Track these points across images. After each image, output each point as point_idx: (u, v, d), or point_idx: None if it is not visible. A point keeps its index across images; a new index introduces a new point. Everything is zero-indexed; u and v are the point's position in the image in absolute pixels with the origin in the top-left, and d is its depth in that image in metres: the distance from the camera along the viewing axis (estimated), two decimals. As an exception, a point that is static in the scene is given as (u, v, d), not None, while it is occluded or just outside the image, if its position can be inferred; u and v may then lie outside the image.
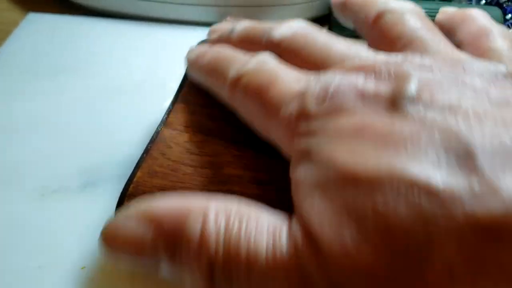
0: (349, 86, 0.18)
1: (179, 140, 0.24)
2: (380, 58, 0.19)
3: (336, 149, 0.16)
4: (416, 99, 0.16)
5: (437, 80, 0.17)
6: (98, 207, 0.27)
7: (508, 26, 0.46)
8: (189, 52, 0.27)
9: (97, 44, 0.40)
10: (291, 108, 0.19)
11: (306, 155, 0.18)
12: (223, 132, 0.25)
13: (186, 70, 0.28)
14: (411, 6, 0.23)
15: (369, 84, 0.18)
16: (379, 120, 0.16)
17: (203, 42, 0.30)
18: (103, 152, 0.31)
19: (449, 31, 0.25)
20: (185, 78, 0.28)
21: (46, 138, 0.32)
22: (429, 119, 0.16)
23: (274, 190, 0.22)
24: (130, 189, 0.23)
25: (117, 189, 0.28)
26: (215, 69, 0.24)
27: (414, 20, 0.22)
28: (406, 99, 0.16)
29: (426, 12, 0.41)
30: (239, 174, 0.23)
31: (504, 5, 0.47)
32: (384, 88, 0.17)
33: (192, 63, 0.26)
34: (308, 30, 0.23)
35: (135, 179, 0.23)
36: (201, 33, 0.31)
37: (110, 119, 0.33)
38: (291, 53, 0.22)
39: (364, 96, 0.17)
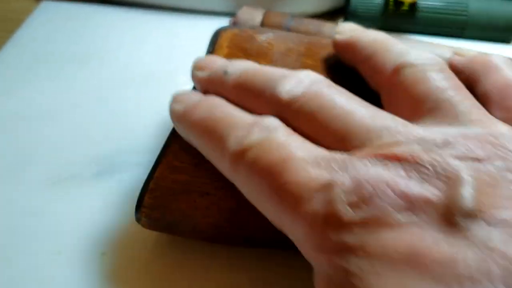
0: (390, 186, 0.15)
1: None
2: (415, 139, 0.17)
3: (387, 283, 0.14)
4: (474, 213, 0.14)
5: (490, 178, 0.15)
6: (115, 194, 0.28)
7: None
8: (174, 99, 0.23)
9: (111, 33, 0.40)
10: (316, 205, 0.16)
11: (344, 276, 0.15)
12: None
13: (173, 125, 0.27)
14: (434, 58, 0.21)
15: (414, 185, 0.15)
16: (434, 241, 0.14)
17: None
18: (117, 140, 0.31)
19: (468, 80, 0.23)
20: None
21: (59, 126, 0.32)
22: (494, 242, 0.13)
23: None
24: (151, 184, 0.23)
25: (132, 177, 0.28)
26: (210, 132, 0.20)
27: (439, 78, 0.19)
28: (463, 213, 0.14)
29: (440, 7, 0.41)
30: None
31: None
32: (432, 192, 0.15)
33: (180, 117, 0.22)
34: (322, 89, 0.19)
35: (155, 175, 0.23)
36: (216, 23, 0.31)
37: (122, 108, 0.33)
38: (302, 118, 0.19)
39: (409, 202, 0.15)
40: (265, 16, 0.38)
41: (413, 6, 0.41)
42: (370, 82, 0.23)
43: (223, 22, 0.39)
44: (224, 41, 0.29)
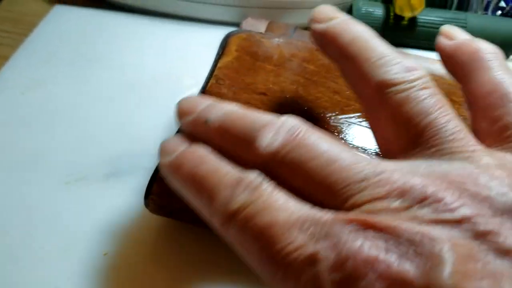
0: (370, 263, 0.15)
1: None
2: (395, 193, 0.17)
3: None
4: None
5: (469, 250, 0.15)
6: (121, 197, 0.28)
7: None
8: (162, 151, 0.22)
9: (121, 37, 0.41)
10: (304, 283, 0.16)
11: None
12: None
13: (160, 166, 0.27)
14: (415, 71, 0.20)
15: (394, 263, 0.15)
16: None
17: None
18: (125, 143, 0.32)
19: (455, 70, 0.23)
20: (213, 71, 0.29)
21: (70, 127, 0.33)
22: None
23: None
24: (160, 174, 0.24)
25: (138, 180, 0.29)
26: (197, 190, 0.20)
27: (422, 98, 0.19)
28: None
29: (439, 22, 0.42)
30: None
31: (520, 16, 0.48)
32: (412, 272, 0.15)
33: (168, 171, 0.22)
34: (301, 137, 0.19)
35: None
36: (221, 32, 0.32)
37: (131, 111, 0.34)
38: (284, 171, 0.19)
39: (390, 283, 0.15)
40: (268, 27, 0.40)
41: (413, 20, 0.43)
42: (348, 84, 0.23)
43: (228, 31, 0.41)
44: (233, 45, 0.31)
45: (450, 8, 0.48)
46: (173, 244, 0.26)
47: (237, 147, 0.20)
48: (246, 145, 0.20)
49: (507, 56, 0.44)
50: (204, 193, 0.19)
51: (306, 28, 0.41)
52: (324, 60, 0.30)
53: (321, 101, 0.27)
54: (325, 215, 0.17)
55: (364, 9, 0.43)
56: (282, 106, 0.27)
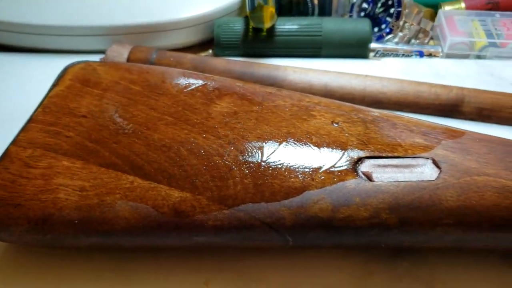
0: None
1: (22, 155, 0.28)
2: None
3: None
4: None
5: None
6: None
7: (382, 36, 0.51)
8: None
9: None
10: None
11: None
12: (59, 147, 0.28)
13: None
14: None
15: None
16: None
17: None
18: None
19: None
20: (43, 100, 0.32)
21: None
22: None
23: (95, 196, 0.26)
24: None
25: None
26: None
27: None
28: None
29: (296, 29, 0.46)
30: (65, 183, 0.27)
31: (380, 16, 0.51)
32: None
33: None
34: None
35: None
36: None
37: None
38: None
39: None
40: (131, 52, 0.43)
41: (271, 31, 0.46)
42: None
43: (96, 59, 0.44)
44: (68, 75, 0.34)
45: (312, 15, 0.51)
46: (16, 268, 0.29)
47: None
48: None
49: (364, 54, 0.48)
50: None
51: (167, 49, 0.45)
52: (150, 80, 0.33)
53: (138, 118, 0.30)
54: None
55: (225, 25, 0.47)
56: (98, 126, 0.30)
